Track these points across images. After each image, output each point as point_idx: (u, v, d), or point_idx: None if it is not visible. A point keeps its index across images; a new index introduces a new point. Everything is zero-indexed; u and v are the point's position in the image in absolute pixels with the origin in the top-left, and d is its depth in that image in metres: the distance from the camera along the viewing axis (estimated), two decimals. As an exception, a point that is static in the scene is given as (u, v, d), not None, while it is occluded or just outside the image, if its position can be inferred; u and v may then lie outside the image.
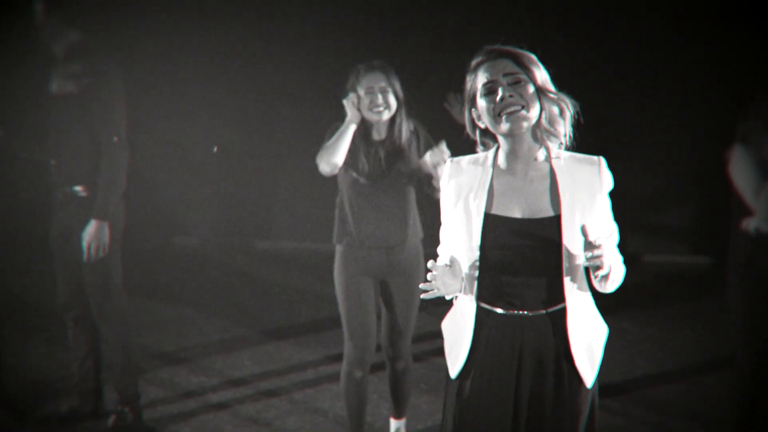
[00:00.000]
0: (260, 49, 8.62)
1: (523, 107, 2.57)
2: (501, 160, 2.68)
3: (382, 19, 8.24)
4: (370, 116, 4.12)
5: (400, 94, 4.15)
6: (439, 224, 2.85)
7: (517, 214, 2.63)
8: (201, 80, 8.68)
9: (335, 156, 4.11)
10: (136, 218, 4.69)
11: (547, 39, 7.84)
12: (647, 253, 8.52)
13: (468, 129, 2.74)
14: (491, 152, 2.71)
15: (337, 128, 4.18)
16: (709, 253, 7.83)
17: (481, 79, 2.62)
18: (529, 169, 2.66)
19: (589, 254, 2.48)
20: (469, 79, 2.68)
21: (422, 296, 2.67)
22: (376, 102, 4.09)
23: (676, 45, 7.89)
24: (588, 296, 2.72)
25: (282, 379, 5.41)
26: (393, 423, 4.50)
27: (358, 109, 4.12)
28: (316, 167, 8.27)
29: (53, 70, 4.47)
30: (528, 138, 2.64)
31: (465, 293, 2.69)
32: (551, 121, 2.63)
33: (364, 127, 4.17)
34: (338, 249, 4.28)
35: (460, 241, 2.66)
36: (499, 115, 2.57)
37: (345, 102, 4.14)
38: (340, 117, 4.22)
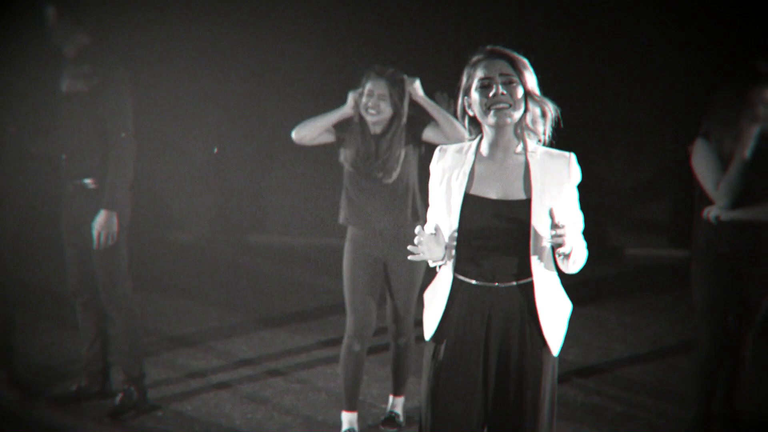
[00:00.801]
0: (255, 48, 8.86)
1: (510, 106, 2.90)
2: (483, 148, 3.00)
3: (376, 20, 8.51)
4: (365, 115, 4.51)
5: (401, 106, 4.49)
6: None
7: (492, 195, 2.94)
8: (196, 79, 8.90)
9: (306, 129, 4.59)
10: (131, 214, 4.97)
11: (535, 40, 8.19)
12: (628, 246, 8.84)
13: (458, 115, 3.06)
14: (475, 141, 3.03)
15: (348, 125, 4.60)
16: (687, 246, 8.12)
17: (478, 74, 2.93)
18: (507, 158, 2.98)
19: (554, 232, 2.79)
20: (466, 71, 2.99)
21: (408, 257, 2.97)
22: (370, 105, 4.47)
23: (657, 50, 8.22)
24: (554, 274, 3.03)
25: (278, 362, 5.70)
26: (391, 399, 4.81)
27: (356, 106, 4.53)
28: (308, 165, 8.56)
29: (63, 70, 4.78)
30: (510, 132, 2.96)
31: (444, 264, 3.00)
32: (533, 121, 2.96)
33: (363, 123, 4.54)
34: (348, 230, 4.64)
35: (441, 217, 2.98)
36: (489, 108, 2.90)
37: (350, 93, 4.55)
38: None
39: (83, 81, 4.66)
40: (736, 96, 4.26)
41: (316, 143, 4.65)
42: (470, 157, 2.99)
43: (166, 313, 6.68)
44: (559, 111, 3.01)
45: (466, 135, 3.07)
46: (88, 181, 4.72)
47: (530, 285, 2.95)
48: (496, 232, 2.92)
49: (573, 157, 3.01)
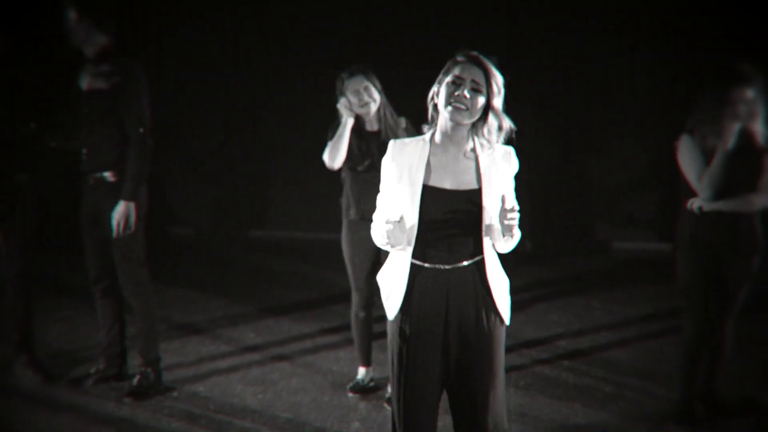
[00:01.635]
0: (256, 44, 9.10)
1: (467, 109, 3.24)
2: (438, 138, 3.34)
3: (369, 20, 8.74)
4: (361, 111, 4.90)
5: (378, 87, 4.93)
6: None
7: (447, 186, 3.29)
8: (196, 75, 9.14)
9: (337, 155, 4.91)
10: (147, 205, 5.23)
11: (525, 40, 8.44)
12: (615, 240, 9.12)
13: (427, 100, 3.38)
14: (428, 134, 3.37)
15: (337, 126, 4.95)
16: (671, 239, 8.39)
17: (455, 71, 3.26)
18: (459, 152, 3.32)
19: (509, 216, 3.14)
20: (448, 65, 3.32)
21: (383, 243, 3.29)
22: (363, 99, 4.88)
23: (644, 51, 8.49)
24: (496, 254, 3.38)
25: (283, 348, 5.98)
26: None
27: (351, 110, 4.88)
28: (306, 160, 8.81)
29: (83, 70, 5.04)
30: (465, 132, 3.31)
31: (399, 252, 3.33)
32: (489, 132, 3.30)
33: (358, 123, 4.93)
34: (344, 223, 5.04)
35: (403, 207, 3.28)
36: (449, 104, 3.23)
37: (339, 106, 4.92)
38: (331, 113, 4.93)
39: (103, 80, 4.92)
40: (718, 95, 4.52)
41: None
42: (426, 149, 3.32)
43: (172, 303, 6.94)
44: (515, 128, 3.34)
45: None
46: (107, 174, 4.98)
47: (480, 264, 3.30)
48: (452, 219, 3.26)
49: (513, 151, 3.38)
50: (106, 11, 5.00)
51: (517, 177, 3.42)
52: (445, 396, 3.43)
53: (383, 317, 5.15)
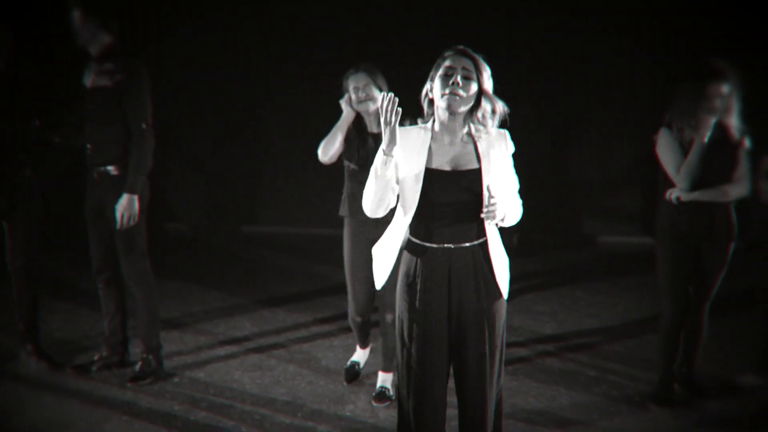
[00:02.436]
0: (249, 43, 9.20)
1: (461, 97, 3.45)
2: (437, 128, 3.55)
3: (367, 19, 8.87)
4: (360, 109, 5.00)
5: (384, 88, 4.99)
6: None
7: (447, 168, 3.50)
8: (192, 73, 9.23)
9: (330, 148, 5.01)
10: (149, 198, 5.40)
11: (513, 38, 8.59)
12: (600, 233, 9.33)
13: (421, 97, 3.59)
14: (429, 123, 3.58)
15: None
16: (653, 229, 8.58)
17: (445, 64, 3.50)
18: (456, 139, 3.54)
19: (486, 210, 3.36)
20: (437, 62, 3.54)
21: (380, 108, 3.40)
22: (361, 97, 4.96)
23: (626, 49, 8.65)
24: (498, 234, 3.61)
25: (279, 337, 6.18)
26: (381, 376, 5.24)
27: (350, 106, 5.00)
28: (300, 157, 8.94)
29: (87, 68, 5.24)
30: (460, 120, 3.52)
31: (400, 231, 3.55)
32: (484, 116, 3.52)
33: (360, 122, 5.04)
34: (345, 222, 5.15)
35: (407, 188, 3.49)
36: (445, 93, 3.44)
37: (341, 102, 5.03)
38: (325, 110, 5.08)
39: (107, 77, 5.11)
40: (695, 90, 4.75)
41: (338, 156, 5.09)
42: (428, 135, 3.54)
43: (169, 296, 7.11)
44: (508, 110, 3.55)
45: None
46: (111, 168, 5.17)
47: (483, 245, 3.52)
48: (454, 199, 3.48)
49: (507, 132, 3.59)
50: (111, 11, 5.19)
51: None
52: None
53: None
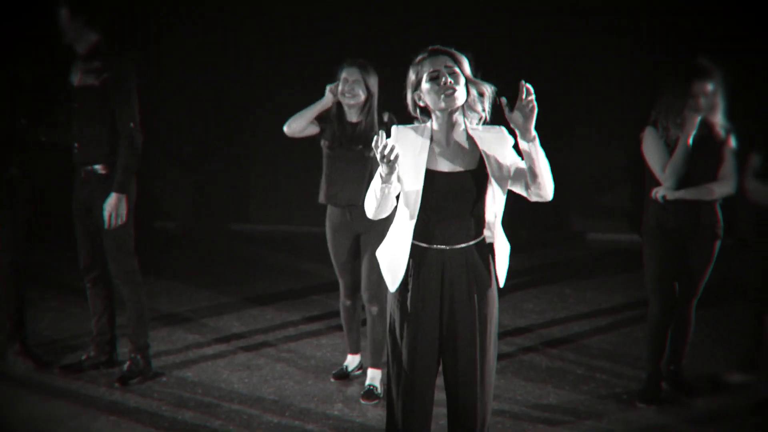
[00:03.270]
0: (237, 40, 9.20)
1: (456, 91, 3.43)
2: (435, 129, 3.53)
3: (355, 18, 8.88)
4: (343, 100, 5.07)
5: (373, 88, 5.05)
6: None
7: (446, 169, 3.47)
8: (179, 71, 9.26)
9: (296, 123, 5.13)
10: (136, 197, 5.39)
11: (499, 36, 8.60)
12: (590, 231, 9.36)
13: (410, 108, 3.58)
14: (428, 124, 3.55)
15: (328, 112, 5.13)
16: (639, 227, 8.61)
17: (426, 68, 3.47)
18: (454, 137, 3.51)
19: (526, 100, 3.27)
20: (413, 69, 3.52)
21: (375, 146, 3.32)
22: (346, 90, 5.04)
23: (614, 48, 8.68)
24: (500, 229, 3.56)
25: (267, 336, 6.18)
26: (369, 373, 5.25)
27: (333, 94, 5.08)
28: (289, 154, 8.92)
29: (75, 66, 5.22)
30: (456, 114, 3.50)
31: (401, 233, 3.50)
32: (474, 102, 3.50)
33: (341, 110, 5.10)
34: (327, 209, 5.22)
35: (407, 190, 3.45)
36: (441, 95, 3.42)
37: (327, 86, 5.10)
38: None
39: (94, 76, 5.10)
40: (680, 89, 4.78)
41: (305, 134, 5.17)
42: (427, 135, 3.51)
43: (158, 294, 7.11)
44: (495, 89, 3.52)
45: None
46: (98, 167, 5.16)
47: (479, 244, 3.50)
48: (451, 200, 3.45)
49: (503, 127, 3.53)
50: (98, 9, 5.18)
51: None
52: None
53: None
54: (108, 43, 5.20)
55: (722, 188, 4.83)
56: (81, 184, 5.26)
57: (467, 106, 3.50)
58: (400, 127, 3.57)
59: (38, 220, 5.81)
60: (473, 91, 3.48)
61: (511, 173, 3.45)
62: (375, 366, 5.22)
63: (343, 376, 5.37)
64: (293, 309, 6.80)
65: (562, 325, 6.45)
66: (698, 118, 4.71)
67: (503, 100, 3.32)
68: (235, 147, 9.71)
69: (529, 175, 3.42)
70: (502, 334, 6.11)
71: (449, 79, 3.41)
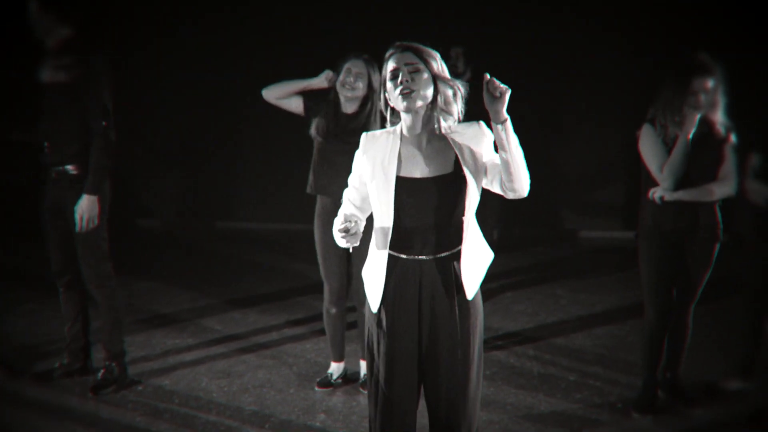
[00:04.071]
0: (223, 39, 9.05)
1: (414, 91, 3.18)
2: (405, 131, 3.30)
3: (342, 16, 8.75)
4: (341, 91, 4.88)
5: (375, 84, 4.84)
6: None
7: (417, 174, 3.25)
8: (165, 69, 9.11)
9: (278, 88, 5.00)
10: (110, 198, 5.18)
11: (492, 31, 8.46)
12: (582, 229, 9.20)
13: (382, 107, 3.35)
14: (398, 126, 3.33)
15: (322, 99, 4.94)
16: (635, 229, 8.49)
17: (389, 66, 3.24)
18: (426, 139, 3.28)
19: (492, 86, 3.03)
20: (383, 66, 3.29)
21: (339, 244, 3.22)
22: (346, 81, 4.85)
23: (609, 44, 8.54)
24: (479, 235, 3.34)
25: (249, 341, 5.97)
26: (362, 363, 5.12)
27: (329, 80, 4.92)
28: (276, 150, 8.78)
29: (45, 62, 4.98)
30: (425, 115, 3.26)
31: (378, 244, 3.30)
32: (446, 102, 3.24)
33: (337, 101, 4.92)
34: (317, 203, 5.02)
35: (378, 199, 3.25)
36: (399, 95, 3.19)
37: (326, 71, 4.93)
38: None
39: (65, 72, 4.86)
40: (679, 85, 4.55)
41: (283, 105, 4.99)
42: (396, 141, 3.28)
43: (139, 295, 6.93)
44: (468, 88, 3.28)
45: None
46: (70, 167, 4.93)
47: (456, 253, 3.26)
48: (423, 208, 3.23)
49: (481, 122, 3.29)
50: (69, 2, 4.94)
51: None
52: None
53: (352, 308, 5.26)
54: (81, 38, 4.96)
55: (722, 189, 4.62)
56: (52, 184, 5.02)
57: (438, 108, 3.25)
58: (369, 133, 3.37)
59: (9, 219, 5.59)
60: (445, 90, 3.23)
61: (487, 170, 3.22)
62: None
63: (327, 384, 5.16)
64: (277, 311, 6.59)
65: (554, 328, 6.25)
66: (698, 116, 4.50)
67: (486, 75, 3.06)
68: (222, 141, 9.55)
69: (502, 165, 3.17)
70: (492, 338, 5.95)
71: (406, 78, 3.18)
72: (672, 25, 8.11)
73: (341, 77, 4.85)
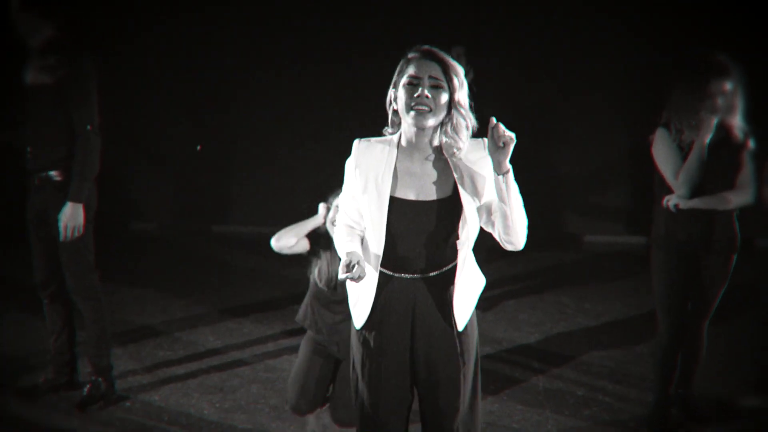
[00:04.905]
0: (217, 41, 8.86)
1: (431, 110, 2.94)
2: (403, 142, 3.06)
3: (335, 15, 8.52)
4: (330, 229, 4.35)
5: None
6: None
7: (412, 197, 3.01)
8: (159, 70, 8.93)
9: (285, 237, 4.45)
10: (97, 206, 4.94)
11: (496, 33, 8.30)
12: (587, 233, 8.99)
13: (386, 104, 3.10)
14: (395, 137, 3.08)
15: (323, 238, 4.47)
16: (644, 233, 8.27)
17: (409, 71, 2.96)
18: (425, 158, 3.04)
19: (495, 135, 2.84)
20: (400, 65, 3.02)
21: (340, 276, 2.94)
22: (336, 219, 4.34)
23: (614, 42, 8.35)
24: (471, 259, 3.13)
25: (244, 352, 5.73)
26: None
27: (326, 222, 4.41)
28: (272, 154, 8.61)
29: (28, 62, 4.74)
30: (429, 134, 3.01)
31: (369, 262, 3.07)
32: (455, 130, 2.99)
33: (330, 240, 4.34)
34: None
35: (370, 218, 3.03)
36: (411, 108, 2.94)
37: (320, 204, 4.44)
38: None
39: (49, 73, 4.62)
40: (696, 87, 4.30)
41: (294, 251, 4.52)
42: (392, 155, 3.04)
43: (130, 304, 6.69)
44: (476, 125, 3.04)
45: None
46: (53, 173, 4.69)
47: (448, 273, 3.05)
48: (420, 229, 3.00)
49: (484, 140, 3.04)
50: (53, 0, 4.71)
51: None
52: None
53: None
54: (65, 37, 4.72)
55: (740, 197, 4.37)
56: (35, 191, 4.78)
57: (447, 132, 3.00)
58: (363, 140, 3.12)
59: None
60: (458, 119, 2.98)
61: (489, 206, 3.00)
62: None
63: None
64: (273, 321, 6.36)
65: (560, 339, 6.02)
66: (715, 120, 4.26)
67: (492, 120, 2.83)
68: (217, 144, 9.33)
69: (499, 215, 2.97)
70: (498, 350, 5.73)
71: (427, 93, 2.92)
72: (684, 24, 7.89)
73: (330, 215, 4.38)
